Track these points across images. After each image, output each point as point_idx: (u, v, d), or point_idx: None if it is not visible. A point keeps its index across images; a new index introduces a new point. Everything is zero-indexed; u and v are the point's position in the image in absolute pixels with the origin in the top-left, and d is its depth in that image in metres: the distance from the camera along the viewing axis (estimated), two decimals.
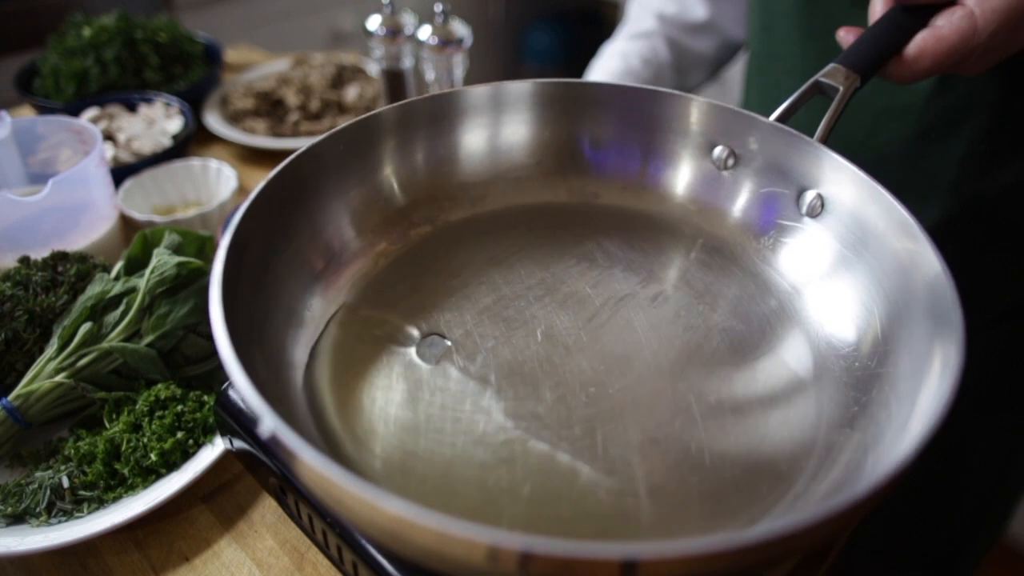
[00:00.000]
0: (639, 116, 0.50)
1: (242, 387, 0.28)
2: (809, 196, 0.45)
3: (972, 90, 0.53)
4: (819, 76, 0.44)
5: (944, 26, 0.42)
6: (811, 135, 0.44)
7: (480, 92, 0.49)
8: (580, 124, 0.51)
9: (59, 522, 0.43)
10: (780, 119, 0.45)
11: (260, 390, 0.28)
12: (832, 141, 0.44)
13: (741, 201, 0.49)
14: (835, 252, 0.44)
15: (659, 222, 0.50)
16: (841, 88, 0.44)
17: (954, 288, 0.34)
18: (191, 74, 0.91)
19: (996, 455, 0.65)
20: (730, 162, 0.49)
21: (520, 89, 0.50)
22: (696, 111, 0.48)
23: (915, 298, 0.37)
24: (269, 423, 0.27)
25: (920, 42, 0.43)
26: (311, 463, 0.25)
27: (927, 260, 0.36)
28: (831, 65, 0.45)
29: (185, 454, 0.46)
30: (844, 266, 0.43)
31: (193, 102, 0.87)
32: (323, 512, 0.36)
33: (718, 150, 0.49)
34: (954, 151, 0.55)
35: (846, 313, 0.42)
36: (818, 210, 0.45)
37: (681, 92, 0.48)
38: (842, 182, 0.43)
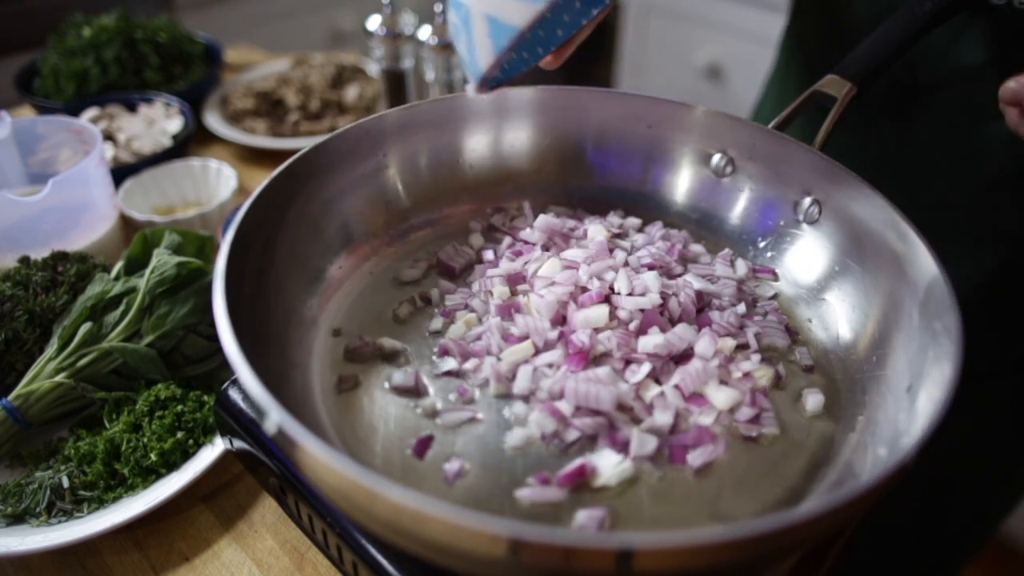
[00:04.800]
0: (639, 123, 0.50)
1: (247, 381, 0.28)
2: (806, 202, 0.46)
3: None
4: (817, 86, 0.45)
5: None
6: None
7: (484, 98, 0.49)
8: (581, 131, 0.51)
9: (59, 522, 0.43)
10: (778, 127, 0.46)
11: (266, 384, 0.28)
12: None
13: (739, 207, 0.49)
14: (832, 256, 0.44)
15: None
16: (838, 98, 0.44)
17: (951, 290, 0.34)
18: (191, 74, 0.91)
19: (996, 457, 0.65)
20: (728, 169, 0.49)
21: (523, 96, 0.50)
22: (696, 118, 0.49)
23: (912, 301, 0.37)
24: (275, 417, 0.27)
25: None
26: (318, 455, 0.26)
27: (923, 263, 0.37)
28: (828, 76, 0.45)
29: (185, 454, 0.46)
30: (841, 270, 0.44)
31: (193, 102, 0.87)
32: (323, 512, 0.37)
33: (717, 157, 0.49)
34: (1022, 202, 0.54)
35: (843, 316, 0.43)
36: (815, 216, 0.45)
37: (681, 101, 0.49)
38: (839, 188, 0.43)
